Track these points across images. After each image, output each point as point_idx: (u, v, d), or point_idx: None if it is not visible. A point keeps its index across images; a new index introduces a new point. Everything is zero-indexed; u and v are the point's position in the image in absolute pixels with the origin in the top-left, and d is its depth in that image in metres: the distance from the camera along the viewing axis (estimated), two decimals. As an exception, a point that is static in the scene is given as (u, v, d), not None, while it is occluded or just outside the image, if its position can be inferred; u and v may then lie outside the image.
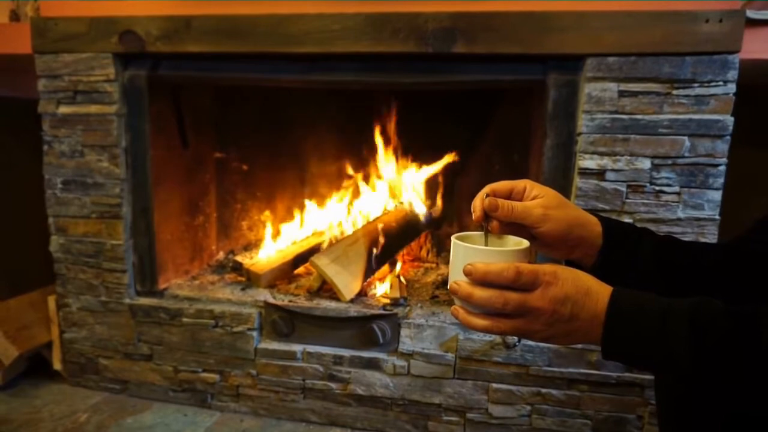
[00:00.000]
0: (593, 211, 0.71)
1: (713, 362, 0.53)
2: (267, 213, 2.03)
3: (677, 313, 0.55)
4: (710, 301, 0.55)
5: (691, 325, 0.54)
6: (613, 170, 1.24)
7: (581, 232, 0.67)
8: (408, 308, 1.46)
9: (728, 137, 1.19)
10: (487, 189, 0.66)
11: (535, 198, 0.65)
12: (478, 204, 0.64)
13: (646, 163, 1.22)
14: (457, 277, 0.59)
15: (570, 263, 0.72)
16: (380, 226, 1.66)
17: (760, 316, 0.53)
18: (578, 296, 0.56)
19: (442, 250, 1.97)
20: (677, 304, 0.55)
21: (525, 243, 0.63)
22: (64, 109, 1.47)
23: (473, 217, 0.65)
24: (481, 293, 0.57)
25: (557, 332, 0.57)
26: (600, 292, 0.57)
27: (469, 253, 0.60)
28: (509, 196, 0.66)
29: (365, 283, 1.56)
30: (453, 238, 0.63)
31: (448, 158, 1.82)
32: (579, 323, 0.57)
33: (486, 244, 0.65)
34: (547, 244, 0.67)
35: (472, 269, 0.57)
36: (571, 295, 0.56)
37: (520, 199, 0.66)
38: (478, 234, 0.66)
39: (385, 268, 1.69)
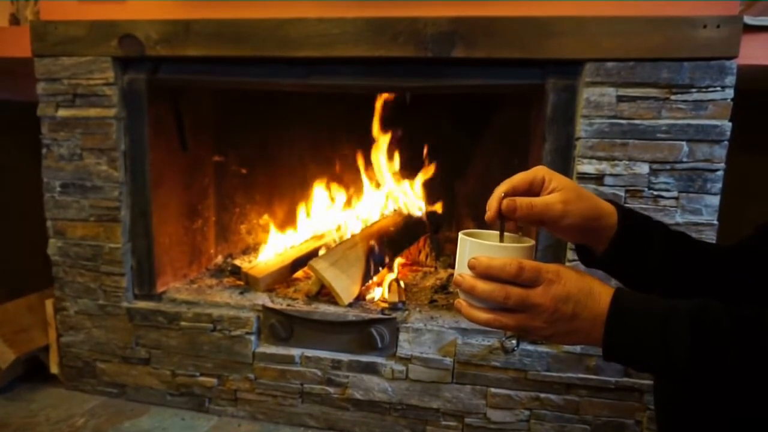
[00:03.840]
0: (609, 199, 0.69)
1: (714, 365, 0.53)
2: (266, 217, 2.03)
3: (679, 315, 0.55)
4: (712, 304, 0.55)
5: (693, 327, 0.54)
6: (611, 175, 1.24)
7: (598, 223, 0.66)
8: (406, 312, 1.46)
9: (726, 142, 1.19)
10: (505, 186, 0.63)
11: (553, 191, 0.63)
12: (494, 203, 0.62)
13: (644, 168, 1.23)
14: (462, 271, 0.60)
15: (580, 247, 0.73)
16: (379, 230, 1.66)
17: (762, 320, 0.53)
18: (580, 296, 0.57)
19: (440, 254, 1.97)
20: (679, 306, 0.55)
21: (530, 241, 0.63)
22: (63, 113, 1.47)
23: (486, 216, 0.63)
24: (483, 286, 0.58)
25: (558, 331, 0.58)
26: (602, 292, 0.57)
27: (474, 248, 0.60)
28: (529, 189, 0.63)
29: (364, 287, 1.56)
30: (460, 234, 0.63)
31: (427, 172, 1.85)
32: (580, 323, 0.57)
33: (501, 242, 0.64)
34: (562, 232, 0.67)
35: (475, 263, 0.58)
36: (573, 294, 0.56)
37: (539, 191, 0.64)
38: (486, 232, 0.66)
39: (384, 272, 1.69)
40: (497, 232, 0.65)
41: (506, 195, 0.62)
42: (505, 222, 0.63)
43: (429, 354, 1.37)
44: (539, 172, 0.64)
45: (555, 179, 0.63)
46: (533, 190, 0.64)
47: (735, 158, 1.24)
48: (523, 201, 0.61)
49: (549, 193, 0.63)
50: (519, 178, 0.64)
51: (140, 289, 1.54)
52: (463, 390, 1.36)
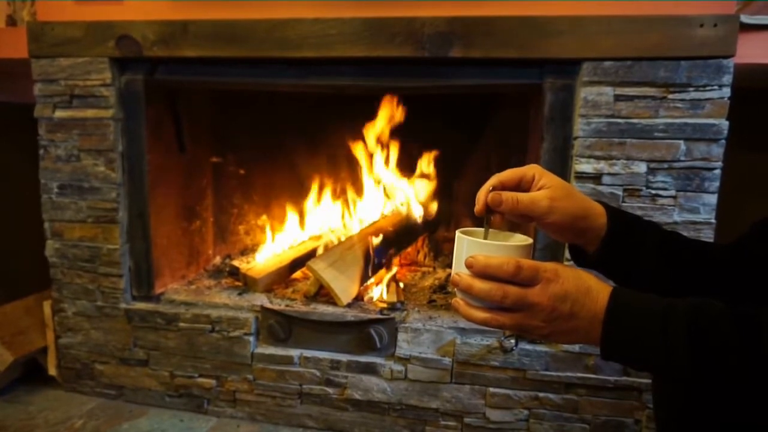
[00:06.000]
0: (601, 201, 0.70)
1: (712, 364, 0.53)
2: (264, 217, 2.02)
3: (677, 313, 0.55)
4: (710, 303, 0.55)
5: (691, 326, 0.54)
6: (609, 174, 1.24)
7: (586, 222, 0.66)
8: (405, 312, 1.46)
9: (723, 141, 1.20)
10: (493, 181, 0.64)
11: (542, 188, 0.63)
12: (481, 196, 0.63)
13: (642, 167, 1.23)
14: (459, 270, 0.60)
15: (573, 247, 0.72)
16: (377, 230, 1.66)
17: (760, 318, 0.53)
18: (578, 295, 0.57)
19: (439, 254, 1.97)
20: (677, 305, 0.55)
21: (528, 239, 0.62)
22: (60, 114, 1.46)
23: (475, 209, 0.64)
24: (481, 285, 0.57)
25: (556, 330, 0.57)
26: (600, 291, 0.57)
27: (471, 247, 0.60)
28: (518, 185, 0.64)
29: (362, 288, 1.56)
30: (457, 232, 0.63)
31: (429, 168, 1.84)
32: (578, 322, 0.57)
33: (486, 237, 0.64)
34: (552, 231, 0.67)
35: (473, 261, 0.57)
36: (571, 293, 0.56)
37: (529, 188, 0.64)
38: (484, 230, 0.66)
39: (382, 272, 1.69)
40: (494, 231, 0.65)
41: (494, 189, 0.63)
42: (491, 216, 0.63)
43: (428, 354, 1.37)
44: (530, 169, 0.64)
45: (545, 177, 0.64)
46: (522, 186, 0.64)
47: (733, 157, 1.24)
48: (508, 195, 0.62)
49: (537, 190, 0.63)
50: (508, 174, 0.64)
51: (138, 291, 1.54)
52: (462, 390, 1.36)
